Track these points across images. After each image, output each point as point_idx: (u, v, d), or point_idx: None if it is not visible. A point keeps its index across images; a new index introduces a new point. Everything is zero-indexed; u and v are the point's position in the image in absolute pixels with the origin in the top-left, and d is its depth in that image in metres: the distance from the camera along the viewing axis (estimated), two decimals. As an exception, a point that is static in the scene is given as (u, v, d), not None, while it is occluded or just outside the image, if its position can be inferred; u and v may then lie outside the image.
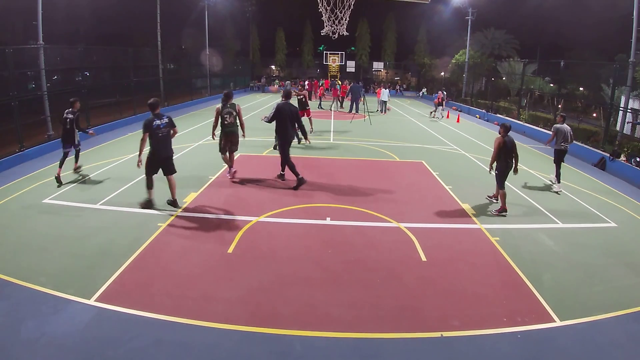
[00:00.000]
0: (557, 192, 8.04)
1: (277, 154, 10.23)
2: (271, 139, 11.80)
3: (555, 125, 8.48)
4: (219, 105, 7.54)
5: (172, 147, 6.35)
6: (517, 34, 29.64)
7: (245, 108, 19.70)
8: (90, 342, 3.39)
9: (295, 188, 7.33)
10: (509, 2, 26.67)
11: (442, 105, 19.66)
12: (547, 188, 8.33)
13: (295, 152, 10.32)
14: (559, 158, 8.21)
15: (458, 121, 18.37)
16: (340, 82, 26.67)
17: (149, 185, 6.26)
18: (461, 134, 14.86)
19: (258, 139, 11.99)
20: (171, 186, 6.33)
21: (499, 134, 6.55)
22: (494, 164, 6.70)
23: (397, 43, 39.59)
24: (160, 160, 6.17)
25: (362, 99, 18.00)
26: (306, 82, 25.49)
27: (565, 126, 8.23)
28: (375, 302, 4.10)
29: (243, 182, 7.81)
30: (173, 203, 6.35)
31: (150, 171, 6.18)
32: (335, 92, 21.43)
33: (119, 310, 3.80)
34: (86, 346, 3.34)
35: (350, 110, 19.02)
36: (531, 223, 6.35)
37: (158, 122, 6.02)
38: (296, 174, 7.41)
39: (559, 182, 8.26)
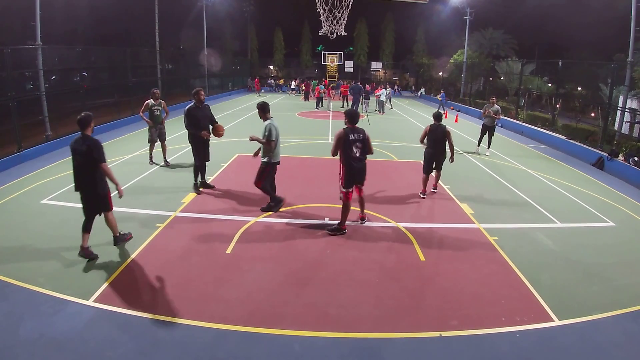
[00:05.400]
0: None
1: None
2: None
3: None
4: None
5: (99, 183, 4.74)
6: (515, 34, 29.73)
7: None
8: (89, 342, 3.39)
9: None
10: (507, 2, 26.74)
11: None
12: (547, 187, 8.36)
13: (294, 152, 10.33)
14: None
15: (456, 121, 18.40)
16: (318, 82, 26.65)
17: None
18: (459, 133, 14.87)
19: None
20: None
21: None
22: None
23: (395, 43, 39.64)
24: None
25: (362, 99, 18.08)
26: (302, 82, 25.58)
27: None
28: (374, 302, 4.11)
29: (242, 182, 7.80)
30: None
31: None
32: (327, 93, 21.70)
33: (117, 310, 3.80)
34: (85, 347, 3.33)
35: None
36: (530, 223, 6.36)
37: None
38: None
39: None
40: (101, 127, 12.71)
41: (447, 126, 7.21)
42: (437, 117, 7.26)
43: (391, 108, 21.70)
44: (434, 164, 7.23)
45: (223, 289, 4.23)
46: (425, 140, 7.19)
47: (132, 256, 4.81)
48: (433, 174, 7.42)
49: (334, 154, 5.52)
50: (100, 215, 4.88)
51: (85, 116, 4.60)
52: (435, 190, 7.57)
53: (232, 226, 5.76)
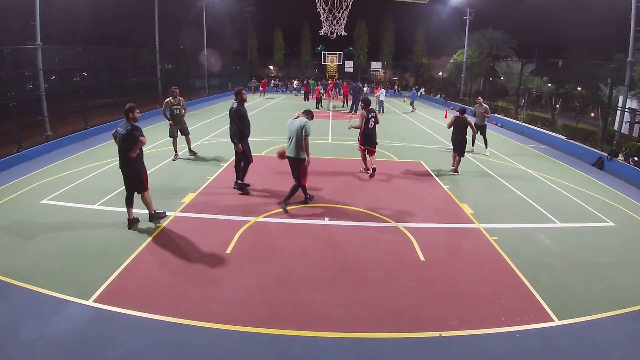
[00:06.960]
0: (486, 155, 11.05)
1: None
2: (265, 139, 11.83)
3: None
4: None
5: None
6: (515, 34, 29.72)
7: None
8: (89, 342, 3.39)
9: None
10: (507, 2, 26.74)
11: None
12: (547, 187, 8.36)
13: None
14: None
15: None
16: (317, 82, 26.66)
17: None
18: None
19: (258, 140, 11.97)
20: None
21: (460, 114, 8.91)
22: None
23: (395, 43, 39.66)
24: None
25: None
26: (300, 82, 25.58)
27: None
28: (374, 302, 4.11)
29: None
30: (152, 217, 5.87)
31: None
32: (327, 92, 21.71)
33: (117, 310, 3.80)
34: (85, 347, 3.33)
35: (351, 111, 19.05)
36: (529, 223, 6.36)
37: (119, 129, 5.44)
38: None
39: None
40: (102, 127, 12.71)
41: (467, 117, 8.87)
42: (462, 110, 8.91)
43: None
44: (458, 147, 8.87)
45: (223, 289, 4.24)
46: (452, 127, 8.94)
47: (132, 256, 4.81)
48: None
49: (360, 127, 8.06)
50: (139, 193, 5.61)
51: (127, 107, 5.40)
52: (457, 174, 8.90)
53: (231, 226, 5.76)
